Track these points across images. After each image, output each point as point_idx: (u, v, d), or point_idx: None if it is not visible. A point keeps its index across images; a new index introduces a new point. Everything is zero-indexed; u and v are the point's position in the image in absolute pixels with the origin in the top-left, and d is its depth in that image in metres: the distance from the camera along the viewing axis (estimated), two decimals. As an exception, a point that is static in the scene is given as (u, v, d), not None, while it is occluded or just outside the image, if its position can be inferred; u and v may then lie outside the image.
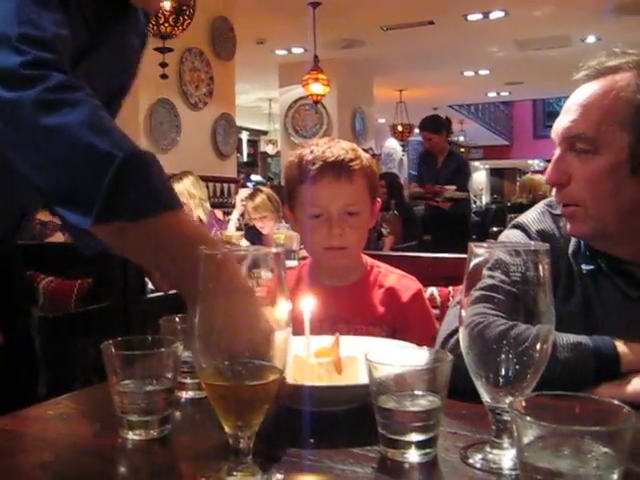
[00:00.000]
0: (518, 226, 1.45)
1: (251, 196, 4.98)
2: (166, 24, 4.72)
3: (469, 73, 11.50)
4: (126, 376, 0.98)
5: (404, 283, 1.69)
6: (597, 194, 1.27)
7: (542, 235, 1.41)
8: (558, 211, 1.43)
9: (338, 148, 1.62)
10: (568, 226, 1.35)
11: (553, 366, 0.95)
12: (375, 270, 1.72)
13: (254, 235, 4.81)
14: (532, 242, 0.89)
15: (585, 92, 1.30)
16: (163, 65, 4.87)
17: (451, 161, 6.34)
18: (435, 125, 6.36)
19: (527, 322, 0.87)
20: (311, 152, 1.62)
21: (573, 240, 1.40)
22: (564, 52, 9.59)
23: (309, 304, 1.13)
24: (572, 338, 1.16)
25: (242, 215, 5.18)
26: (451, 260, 1.98)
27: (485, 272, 0.92)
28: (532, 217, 1.46)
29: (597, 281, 1.36)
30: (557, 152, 1.32)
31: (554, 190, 1.35)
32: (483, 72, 11.41)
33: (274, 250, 0.81)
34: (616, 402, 0.70)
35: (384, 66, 10.09)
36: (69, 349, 2.59)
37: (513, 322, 0.91)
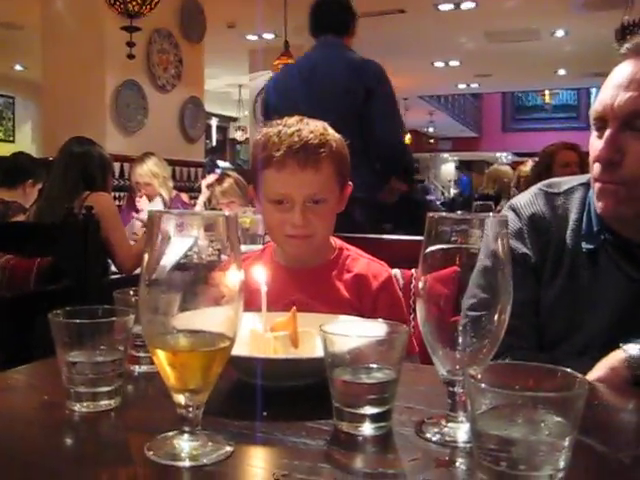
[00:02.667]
0: (511, 208, 1.45)
1: (219, 181, 4.92)
2: (134, 2, 4.62)
3: (439, 64, 11.52)
4: (75, 347, 0.95)
5: (374, 269, 1.63)
6: None
7: (532, 219, 1.41)
8: (556, 189, 1.43)
9: (307, 131, 1.53)
10: (599, 204, 1.31)
11: None
12: (344, 253, 1.66)
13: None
14: (491, 214, 0.86)
15: (634, 67, 1.24)
16: (130, 45, 4.78)
17: None
18: None
19: (486, 294, 0.86)
20: (278, 133, 1.53)
21: (573, 219, 1.39)
22: (533, 45, 9.67)
23: (265, 278, 1.10)
24: None
25: (209, 200, 5.13)
26: (415, 242, 1.96)
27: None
28: (525, 200, 1.45)
29: (596, 261, 1.34)
30: (609, 130, 1.26)
31: (597, 167, 1.29)
32: (453, 63, 11.44)
33: (227, 213, 0.78)
34: (571, 371, 0.69)
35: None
36: (27, 329, 2.54)
37: (472, 293, 0.89)
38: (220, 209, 4.86)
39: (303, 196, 1.52)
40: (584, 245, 1.36)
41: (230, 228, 0.79)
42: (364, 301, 1.59)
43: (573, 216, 1.40)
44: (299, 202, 1.51)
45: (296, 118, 1.60)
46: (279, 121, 1.60)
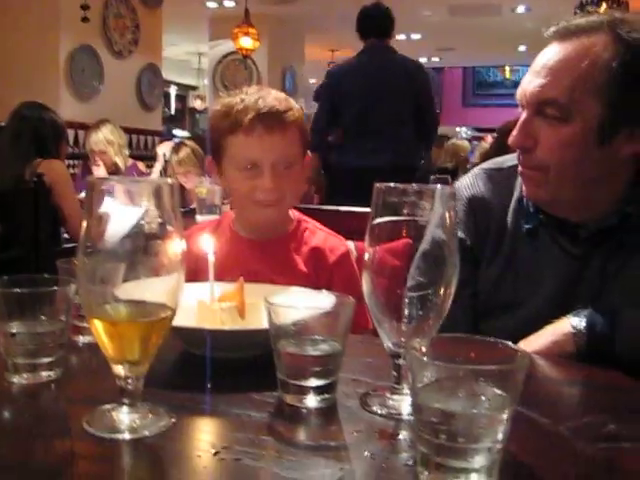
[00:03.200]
0: None
1: (175, 150, 4.85)
2: (88, -36, 4.50)
3: (401, 37, 11.42)
4: (14, 317, 0.92)
5: (331, 243, 1.63)
6: (562, 161, 1.24)
7: (470, 201, 1.41)
8: (498, 168, 1.44)
9: (271, 98, 1.54)
10: (524, 188, 1.33)
11: None
12: (303, 225, 1.65)
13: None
14: (439, 185, 0.85)
15: (557, 53, 1.24)
16: (84, 7, 4.66)
17: None
18: None
19: (432, 266, 0.86)
20: (242, 101, 1.53)
21: (515, 198, 1.39)
22: (495, 20, 9.69)
23: (211, 247, 1.08)
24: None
25: (165, 170, 5.05)
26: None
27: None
28: (465, 183, 1.46)
29: (536, 239, 1.36)
30: (524, 115, 1.27)
31: (518, 152, 1.31)
32: (415, 36, 11.39)
33: (169, 181, 0.76)
34: (512, 345, 0.69)
35: (316, 25, 9.94)
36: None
37: (418, 265, 0.89)
38: (176, 178, 4.80)
39: (272, 160, 1.52)
40: (523, 225, 1.37)
41: (174, 197, 0.77)
42: (320, 275, 1.59)
43: (516, 194, 1.40)
44: (268, 166, 1.51)
45: (256, 87, 1.61)
46: (237, 91, 1.60)
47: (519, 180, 1.39)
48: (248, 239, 1.63)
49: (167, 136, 7.43)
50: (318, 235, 1.65)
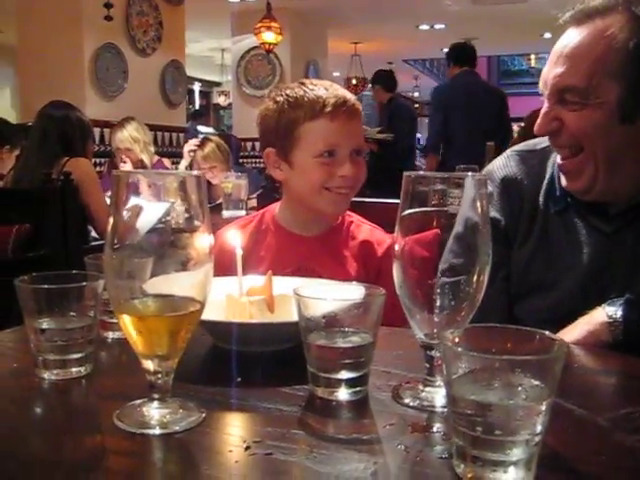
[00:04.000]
0: (486, 173, 1.46)
1: (200, 145, 4.86)
2: (110, -38, 4.51)
3: (424, 27, 11.37)
4: (43, 313, 0.92)
5: (377, 236, 1.64)
6: (590, 139, 1.25)
7: (504, 182, 1.42)
8: (531, 149, 1.46)
9: (341, 90, 1.59)
10: (564, 181, 1.34)
11: None
12: (347, 219, 1.66)
13: None
14: (470, 173, 0.83)
15: (573, 40, 1.24)
16: (108, 6, 4.68)
17: (387, 107, 6.91)
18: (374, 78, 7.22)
19: (464, 255, 0.84)
20: (313, 90, 1.56)
21: (547, 179, 1.40)
22: (519, 8, 9.56)
23: (239, 241, 1.07)
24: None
25: (190, 166, 5.07)
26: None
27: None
28: (498, 164, 1.47)
29: (567, 219, 1.36)
30: (546, 105, 1.29)
31: (551, 140, 1.33)
32: (439, 26, 11.29)
33: (195, 173, 0.75)
34: (549, 334, 0.67)
35: (339, 18, 9.90)
36: (5, 298, 2.50)
37: (450, 255, 0.87)
38: (202, 174, 4.79)
39: (351, 146, 1.56)
40: (552, 207, 1.38)
41: (201, 189, 0.76)
42: (369, 268, 1.60)
43: (547, 175, 1.41)
44: (347, 152, 1.55)
45: (315, 81, 1.64)
46: (294, 85, 1.62)
47: (551, 161, 1.40)
48: (295, 234, 1.63)
49: (192, 132, 7.44)
50: (364, 229, 1.65)
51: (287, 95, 1.58)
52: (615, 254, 1.30)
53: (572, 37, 1.25)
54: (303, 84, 1.59)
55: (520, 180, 1.41)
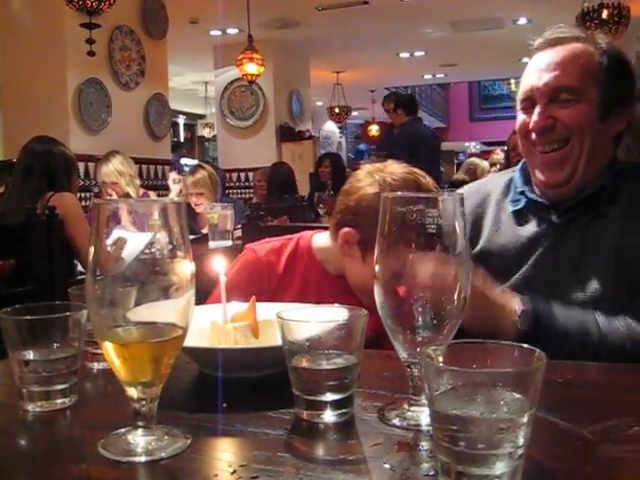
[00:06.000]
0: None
1: (192, 172, 4.90)
2: (92, -1, 4.55)
3: (405, 54, 11.52)
4: (27, 345, 0.92)
5: None
6: (581, 130, 1.45)
7: (466, 191, 1.64)
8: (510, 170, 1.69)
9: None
10: (543, 177, 1.50)
11: None
12: None
13: (187, 215, 4.68)
14: (446, 192, 0.85)
15: (558, 53, 1.47)
16: (90, 42, 4.71)
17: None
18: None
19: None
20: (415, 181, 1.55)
21: (502, 186, 1.62)
22: (497, 34, 9.71)
23: (223, 267, 1.08)
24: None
25: (180, 191, 5.09)
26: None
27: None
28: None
29: (523, 218, 1.54)
30: (539, 106, 1.47)
31: (534, 136, 1.48)
32: (418, 53, 11.44)
33: (176, 199, 0.76)
34: (528, 346, 0.68)
35: (320, 47, 10.02)
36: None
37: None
38: (189, 198, 4.80)
39: None
40: (510, 208, 1.56)
41: (181, 215, 0.76)
42: None
43: (502, 183, 1.64)
44: None
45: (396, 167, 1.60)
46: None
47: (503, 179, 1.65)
48: (332, 274, 1.64)
49: (177, 165, 7.47)
50: None
51: (391, 185, 1.53)
52: (563, 244, 1.46)
53: (555, 52, 1.48)
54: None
55: (478, 187, 1.67)
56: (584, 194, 1.46)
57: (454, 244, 0.84)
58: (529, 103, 1.50)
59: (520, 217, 1.54)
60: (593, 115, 1.45)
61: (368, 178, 1.54)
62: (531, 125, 1.48)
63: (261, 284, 1.62)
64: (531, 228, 1.51)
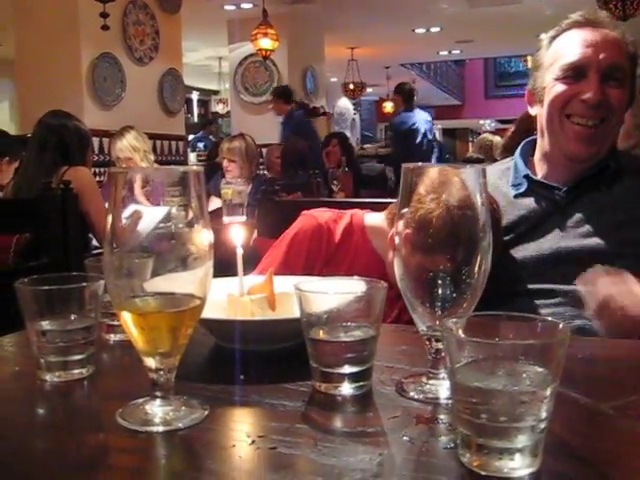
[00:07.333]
0: None
1: (231, 139, 4.85)
2: (106, -28, 4.52)
3: (420, 30, 11.40)
4: (44, 315, 0.92)
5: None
6: (621, 115, 1.56)
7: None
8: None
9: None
10: (576, 148, 1.54)
11: None
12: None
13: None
14: (468, 164, 0.83)
15: (603, 35, 1.53)
16: (104, 15, 4.69)
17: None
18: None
19: (465, 246, 0.83)
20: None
21: (497, 175, 1.67)
22: (514, 9, 9.58)
23: (240, 240, 1.07)
24: None
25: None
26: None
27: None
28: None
29: (526, 201, 1.59)
30: (594, 79, 1.50)
31: (582, 107, 1.51)
32: (434, 29, 11.31)
33: (194, 168, 0.75)
34: (551, 319, 0.67)
35: (335, 23, 9.92)
36: (6, 308, 2.50)
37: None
38: (221, 160, 4.76)
39: None
40: (513, 192, 1.62)
41: (200, 184, 0.75)
42: None
43: (509, 171, 1.69)
44: None
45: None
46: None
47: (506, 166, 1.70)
48: (380, 259, 1.65)
49: (191, 141, 7.44)
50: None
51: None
52: (566, 224, 1.53)
53: (601, 33, 1.53)
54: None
55: (497, 183, 1.67)
56: (587, 173, 1.56)
57: (475, 215, 0.82)
58: (575, 73, 1.52)
59: (523, 200, 1.60)
60: (626, 100, 1.55)
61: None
62: (586, 96, 1.50)
63: (319, 249, 1.66)
64: (536, 211, 1.57)
